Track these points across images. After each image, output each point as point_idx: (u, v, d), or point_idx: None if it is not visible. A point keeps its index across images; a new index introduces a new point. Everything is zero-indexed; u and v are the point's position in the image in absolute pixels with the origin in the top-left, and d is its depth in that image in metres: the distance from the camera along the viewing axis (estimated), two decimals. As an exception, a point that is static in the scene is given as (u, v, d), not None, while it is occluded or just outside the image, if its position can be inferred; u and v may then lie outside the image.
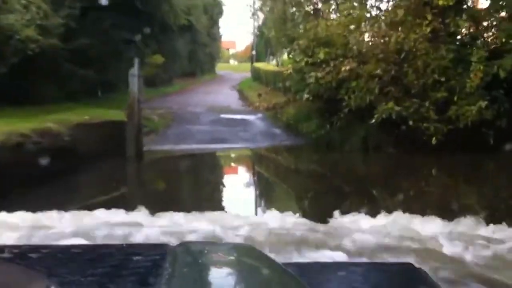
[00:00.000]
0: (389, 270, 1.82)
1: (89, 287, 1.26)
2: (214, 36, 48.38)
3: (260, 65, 36.12)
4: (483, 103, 10.87)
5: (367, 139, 12.51)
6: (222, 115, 20.00)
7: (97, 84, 24.94)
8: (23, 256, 1.47)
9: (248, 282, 1.31)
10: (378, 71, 11.74)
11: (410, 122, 11.26)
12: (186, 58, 40.31)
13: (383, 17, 12.67)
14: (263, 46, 55.43)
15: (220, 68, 61.60)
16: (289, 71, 15.50)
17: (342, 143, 12.99)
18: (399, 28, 11.69)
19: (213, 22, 46.43)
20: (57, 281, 1.23)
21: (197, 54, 42.61)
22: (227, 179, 12.33)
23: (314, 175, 11.68)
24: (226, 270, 1.44)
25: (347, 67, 12.03)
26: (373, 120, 11.58)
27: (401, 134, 11.72)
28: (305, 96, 13.59)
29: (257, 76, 34.56)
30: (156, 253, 1.47)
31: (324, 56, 12.64)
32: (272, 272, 1.44)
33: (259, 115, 20.65)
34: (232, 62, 79.11)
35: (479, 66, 10.98)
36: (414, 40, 11.45)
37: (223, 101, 25.96)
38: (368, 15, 13.21)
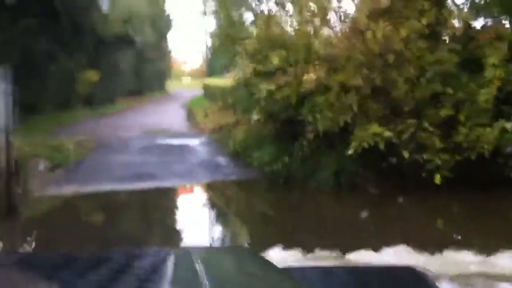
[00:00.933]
0: (390, 274, 1.70)
1: None
2: (163, 52, 44.38)
3: (210, 80, 32.34)
4: (508, 124, 7.38)
5: (339, 175, 8.85)
6: (158, 141, 16.14)
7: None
8: (25, 262, 1.43)
9: (249, 286, 1.29)
10: (356, 81, 8.10)
11: (405, 154, 7.64)
12: (131, 75, 36.20)
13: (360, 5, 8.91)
14: (216, 59, 52.35)
15: (173, 86, 57.69)
16: (232, 84, 11.83)
17: (305, 179, 9.31)
18: (384, 20, 8.02)
19: (161, 36, 42.46)
20: (59, 286, 1.21)
21: (144, 70, 38.52)
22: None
23: (261, 228, 7.96)
24: (227, 274, 1.39)
25: (312, 76, 8.40)
26: (350, 151, 7.90)
27: (389, 168, 8.11)
28: (254, 117, 9.97)
29: (208, 93, 30.81)
30: (157, 257, 1.44)
31: (280, 62, 9.05)
32: (273, 276, 1.40)
33: (204, 139, 16.87)
34: (185, 79, 75.20)
35: (498, 71, 7.50)
36: (405, 36, 7.86)
37: (166, 122, 22.06)
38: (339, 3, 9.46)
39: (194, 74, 73.44)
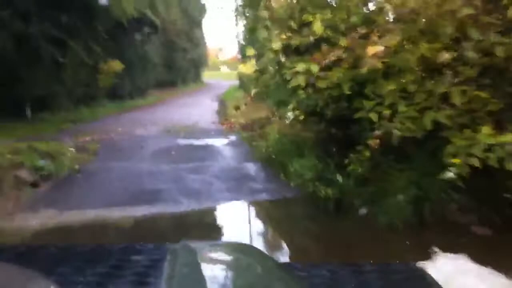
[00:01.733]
0: (392, 271, 1.65)
1: (88, 287, 1.21)
2: (197, 40, 41.46)
3: (242, 68, 29.23)
4: None
5: (421, 204, 5.60)
6: (179, 141, 13.19)
7: (26, 101, 18.21)
8: (23, 256, 1.42)
9: (247, 281, 1.27)
10: (451, 55, 4.83)
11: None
12: (162, 65, 33.47)
13: None
14: (251, 48, 48.94)
15: (209, 76, 55.06)
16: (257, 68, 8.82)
17: (366, 206, 6.15)
18: None
19: (194, 24, 39.55)
20: (57, 281, 1.19)
21: (176, 60, 35.74)
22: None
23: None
24: (225, 270, 1.37)
25: (378, 49, 5.15)
26: (448, 173, 4.65)
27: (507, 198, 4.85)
28: (289, 114, 6.89)
29: (242, 82, 27.74)
30: (155, 252, 1.44)
31: (324, 30, 5.90)
32: (272, 271, 1.37)
33: (233, 137, 13.83)
34: (223, 69, 72.35)
35: None
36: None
37: (194, 116, 19.14)
38: None
39: (230, 63, 70.66)
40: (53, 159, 10.36)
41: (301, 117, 7.00)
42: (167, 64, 33.83)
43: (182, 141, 13.06)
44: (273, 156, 9.40)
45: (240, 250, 1.62)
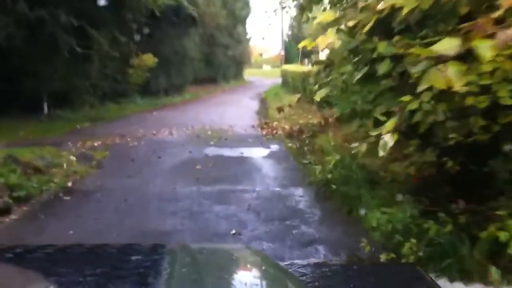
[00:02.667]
0: (390, 271, 1.65)
1: (88, 287, 1.14)
2: (238, 38, 38.63)
3: (288, 66, 26.21)
4: None
5: None
6: (208, 150, 10.29)
7: (42, 96, 15.73)
8: (21, 257, 1.37)
9: (246, 282, 1.22)
10: None
11: None
12: (202, 61, 30.80)
13: None
14: (295, 46, 45.82)
15: (251, 73, 52.30)
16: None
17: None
18: None
19: (237, 20, 36.73)
20: (55, 281, 1.16)
21: (216, 56, 33.00)
22: None
23: None
24: (224, 271, 1.33)
25: None
26: None
27: None
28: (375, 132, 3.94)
29: (285, 80, 24.78)
30: (154, 253, 1.39)
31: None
32: (272, 272, 1.35)
33: (275, 147, 10.83)
34: (265, 67, 69.39)
35: None
36: None
37: (231, 118, 16.30)
38: None
39: (273, 62, 67.65)
40: (40, 174, 7.67)
41: (393, 138, 3.95)
42: (207, 59, 31.14)
43: (212, 151, 10.15)
44: (333, 186, 6.39)
45: (239, 252, 1.56)
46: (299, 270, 1.53)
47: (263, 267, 1.39)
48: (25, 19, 11.85)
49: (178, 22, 21.31)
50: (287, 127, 12.63)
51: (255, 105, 22.18)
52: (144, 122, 15.13)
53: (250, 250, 1.66)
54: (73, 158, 8.99)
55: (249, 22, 49.57)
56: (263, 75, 55.29)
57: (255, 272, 1.37)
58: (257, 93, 29.90)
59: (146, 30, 19.77)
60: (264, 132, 13.03)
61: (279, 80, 34.33)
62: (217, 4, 28.79)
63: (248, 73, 49.99)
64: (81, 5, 13.58)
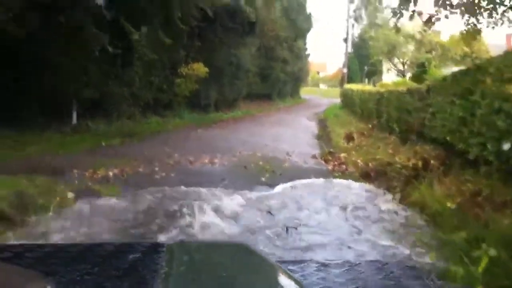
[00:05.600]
0: (386, 268, 1.53)
1: (86, 286, 1.14)
2: (298, 53, 35.74)
3: (352, 86, 23.05)
4: None
5: None
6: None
7: (71, 104, 13.29)
8: (20, 255, 1.34)
9: (243, 280, 1.21)
10: None
11: None
12: (257, 75, 28.07)
13: None
14: (357, 64, 42.53)
15: (307, 92, 49.25)
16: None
17: None
18: None
19: (297, 34, 33.85)
20: (54, 280, 1.12)
21: (273, 71, 30.19)
22: None
23: None
24: (222, 269, 1.28)
25: None
26: None
27: None
28: None
29: (348, 101, 21.63)
30: (152, 251, 1.36)
31: None
32: (268, 270, 1.32)
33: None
34: (322, 85, 66.09)
35: None
36: None
37: (286, 142, 13.36)
38: None
39: (330, 81, 64.34)
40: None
41: None
42: (263, 74, 28.35)
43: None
44: None
45: (237, 249, 1.55)
46: (293, 268, 1.43)
47: (259, 265, 1.34)
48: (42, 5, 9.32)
49: (234, 27, 18.60)
50: (361, 162, 9.54)
51: (314, 127, 19.14)
52: (184, 142, 12.41)
53: (248, 248, 1.57)
54: (71, 194, 6.30)
55: (309, 37, 47.07)
56: (319, 94, 52.19)
57: (252, 270, 1.30)
58: (315, 113, 26.87)
59: (197, 34, 17.21)
60: (330, 167, 9.97)
61: (337, 101, 31.26)
62: (278, 13, 25.99)
63: (304, 91, 46.94)
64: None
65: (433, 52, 29.25)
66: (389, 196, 7.03)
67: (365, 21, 45.15)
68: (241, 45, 21.81)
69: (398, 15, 7.50)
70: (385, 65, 36.84)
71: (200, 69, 18.46)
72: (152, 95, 16.89)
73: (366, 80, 40.92)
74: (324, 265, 1.51)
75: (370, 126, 12.11)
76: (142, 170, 8.19)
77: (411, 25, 26.84)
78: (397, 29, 8.08)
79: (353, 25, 31.12)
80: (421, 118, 8.46)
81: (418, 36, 28.38)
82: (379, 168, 8.63)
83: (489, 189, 4.85)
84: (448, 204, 5.29)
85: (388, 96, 11.29)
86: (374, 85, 32.96)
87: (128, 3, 11.58)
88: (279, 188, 7.73)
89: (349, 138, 11.68)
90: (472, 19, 7.64)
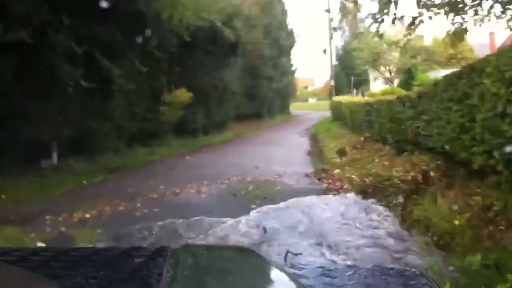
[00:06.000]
0: (391, 274, 1.51)
1: None
2: (283, 69, 35.43)
3: (341, 98, 22.61)
4: None
5: None
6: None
7: (50, 143, 12.70)
8: (25, 259, 1.33)
9: (248, 284, 1.22)
10: None
11: None
12: (244, 95, 27.65)
13: None
14: (344, 76, 42.27)
15: (297, 107, 48.92)
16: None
17: None
18: None
19: (281, 51, 33.56)
20: (60, 284, 1.13)
21: (260, 90, 29.80)
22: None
23: None
24: (226, 272, 1.28)
25: None
26: None
27: None
28: None
29: (338, 114, 21.17)
30: (157, 256, 1.35)
31: None
32: (272, 274, 1.31)
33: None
34: (311, 100, 65.80)
35: None
36: None
37: (278, 162, 12.83)
38: None
39: (319, 94, 64.09)
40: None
41: None
42: (250, 93, 27.91)
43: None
44: None
45: (241, 253, 1.55)
46: (298, 272, 1.41)
47: (265, 269, 1.33)
48: (4, 42, 8.77)
49: (215, 50, 18.17)
50: (356, 178, 8.99)
51: (305, 143, 18.63)
52: (171, 171, 11.84)
53: (252, 252, 1.58)
54: (40, 244, 5.70)
55: (293, 53, 47.11)
56: (309, 108, 51.87)
57: (256, 274, 1.30)
58: (305, 128, 26.41)
59: (177, 60, 16.76)
60: (324, 185, 9.42)
61: (327, 114, 30.85)
62: (259, 32, 25.65)
63: (294, 107, 46.57)
64: (88, 29, 10.54)
65: (418, 57, 28.97)
66: (388, 214, 6.47)
67: (346, 32, 45.12)
68: (224, 67, 21.37)
69: (379, 21, 7.05)
70: (372, 74, 36.56)
71: (183, 95, 17.96)
72: (137, 126, 16.34)
73: (354, 90, 40.63)
74: (328, 270, 1.47)
75: (362, 138, 11.59)
76: (123, 209, 7.59)
77: (394, 32, 26.59)
78: (379, 35, 7.56)
79: (331, 37, 30.80)
80: (414, 127, 7.94)
81: (401, 42, 28.06)
82: (376, 184, 8.08)
83: (501, 203, 4.30)
84: (456, 222, 4.73)
85: (378, 106, 10.80)
86: (363, 95, 32.64)
87: (99, 37, 11.09)
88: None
89: (342, 153, 11.14)
90: (457, 18, 7.18)
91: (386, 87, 29.34)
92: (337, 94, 29.17)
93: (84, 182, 10.38)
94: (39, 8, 9.20)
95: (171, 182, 9.78)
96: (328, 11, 25.65)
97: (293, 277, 1.28)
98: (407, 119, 8.41)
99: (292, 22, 75.99)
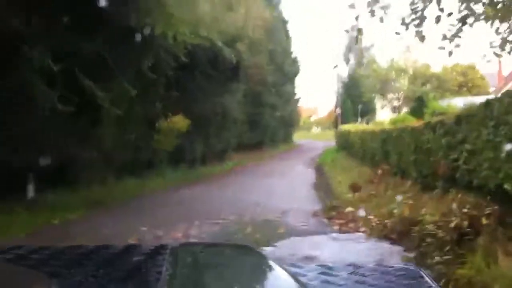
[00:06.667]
0: (390, 272, 1.47)
1: (90, 287, 1.11)
2: (287, 97, 34.15)
3: (349, 127, 21.15)
4: None
5: None
6: None
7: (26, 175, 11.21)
8: (25, 257, 1.32)
9: (247, 282, 1.20)
10: None
11: None
12: (246, 123, 26.26)
13: None
14: (350, 104, 40.73)
15: (300, 136, 47.58)
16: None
17: None
18: None
19: (285, 79, 32.33)
20: (59, 281, 1.10)
21: (263, 118, 28.43)
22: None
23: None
24: (225, 271, 1.27)
25: None
26: None
27: None
28: None
29: (345, 143, 19.66)
30: (156, 254, 1.33)
31: None
32: (271, 272, 1.27)
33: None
34: (315, 129, 64.43)
35: None
36: None
37: (281, 197, 11.38)
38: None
39: (323, 123, 62.77)
40: None
41: None
42: (252, 121, 26.50)
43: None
44: None
45: (240, 251, 1.52)
46: (297, 270, 1.38)
47: (262, 267, 1.31)
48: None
49: (216, 74, 16.85)
50: (374, 219, 7.46)
51: (311, 175, 17.11)
52: (159, 208, 10.33)
53: (251, 250, 1.55)
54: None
55: (297, 81, 45.48)
56: (312, 137, 50.53)
57: (256, 272, 1.28)
58: (310, 158, 24.94)
59: (174, 84, 15.41)
60: (335, 227, 7.90)
61: (331, 143, 29.45)
62: (263, 57, 24.41)
63: (297, 136, 45.23)
64: (69, 43, 9.21)
65: (428, 85, 27.70)
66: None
67: (352, 60, 44.18)
68: (225, 93, 20.01)
69: (418, 21, 5.67)
70: (379, 103, 35.28)
71: (180, 122, 16.57)
72: (128, 155, 14.86)
73: (359, 119, 39.30)
74: (328, 268, 1.42)
75: (379, 171, 10.06)
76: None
77: (403, 60, 25.40)
78: (421, 38, 6.13)
79: (335, 66, 29.69)
80: (451, 159, 6.44)
81: (410, 69, 26.95)
82: (401, 228, 6.55)
83: None
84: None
85: (398, 133, 9.32)
86: (367, 124, 31.31)
87: (83, 54, 9.76)
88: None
89: (356, 188, 9.63)
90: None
91: (393, 115, 27.98)
92: (342, 123, 27.74)
93: (56, 221, 8.87)
94: (7, 14, 7.86)
95: (157, 222, 8.26)
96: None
97: (293, 275, 1.23)
98: (439, 149, 6.92)
99: (295, 50, 75.53)
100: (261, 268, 1.31)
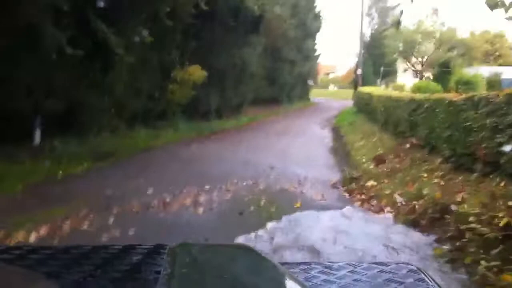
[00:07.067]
0: (389, 270, 1.38)
1: (88, 287, 1.06)
2: (307, 53, 32.90)
3: (370, 89, 20.13)
4: None
5: None
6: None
7: (32, 118, 10.57)
8: (22, 257, 1.24)
9: (246, 282, 1.12)
10: None
11: None
12: (264, 78, 25.31)
13: None
14: (370, 65, 39.24)
15: (317, 94, 46.41)
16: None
17: None
18: None
19: (306, 35, 31.02)
20: (56, 282, 1.07)
21: (281, 73, 27.42)
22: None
23: None
24: (225, 271, 1.18)
25: None
26: None
27: None
28: None
29: (366, 107, 18.74)
30: (155, 253, 1.24)
31: None
32: (271, 273, 1.20)
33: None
34: (331, 87, 63.02)
35: None
36: None
37: (297, 160, 10.73)
38: None
39: (340, 82, 61.28)
40: None
41: None
42: (269, 76, 25.56)
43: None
44: None
45: (240, 252, 1.48)
46: (297, 270, 1.37)
47: (262, 267, 1.24)
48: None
49: (236, 25, 15.84)
50: (401, 200, 6.74)
51: (327, 137, 16.35)
52: (169, 165, 9.72)
53: (251, 250, 1.48)
54: None
55: (318, 37, 43.57)
56: (329, 96, 49.35)
57: (255, 272, 1.20)
58: (326, 118, 24.06)
59: (193, 33, 14.50)
60: (357, 203, 7.23)
61: (348, 103, 28.44)
62: (286, 10, 23.17)
63: (314, 94, 44.09)
64: None
65: (454, 51, 26.29)
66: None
67: (375, 19, 42.40)
68: (244, 45, 19.03)
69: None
70: (401, 66, 33.86)
71: (197, 73, 15.75)
72: (141, 104, 14.21)
73: (378, 81, 38.00)
74: (327, 267, 1.39)
75: (408, 145, 9.25)
76: (87, 228, 5.42)
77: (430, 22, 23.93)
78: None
79: (362, 23, 28.26)
80: (495, 142, 5.63)
81: (437, 33, 25.49)
82: (432, 214, 5.83)
83: None
84: None
85: (431, 105, 8.45)
86: (387, 87, 30.11)
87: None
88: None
89: (379, 160, 8.87)
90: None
91: (416, 80, 26.78)
92: (363, 84, 26.62)
93: (60, 172, 8.27)
94: None
95: (165, 183, 7.64)
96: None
97: (293, 276, 1.21)
98: (481, 129, 6.10)
99: (318, 5, 73.02)
100: (261, 268, 1.24)
